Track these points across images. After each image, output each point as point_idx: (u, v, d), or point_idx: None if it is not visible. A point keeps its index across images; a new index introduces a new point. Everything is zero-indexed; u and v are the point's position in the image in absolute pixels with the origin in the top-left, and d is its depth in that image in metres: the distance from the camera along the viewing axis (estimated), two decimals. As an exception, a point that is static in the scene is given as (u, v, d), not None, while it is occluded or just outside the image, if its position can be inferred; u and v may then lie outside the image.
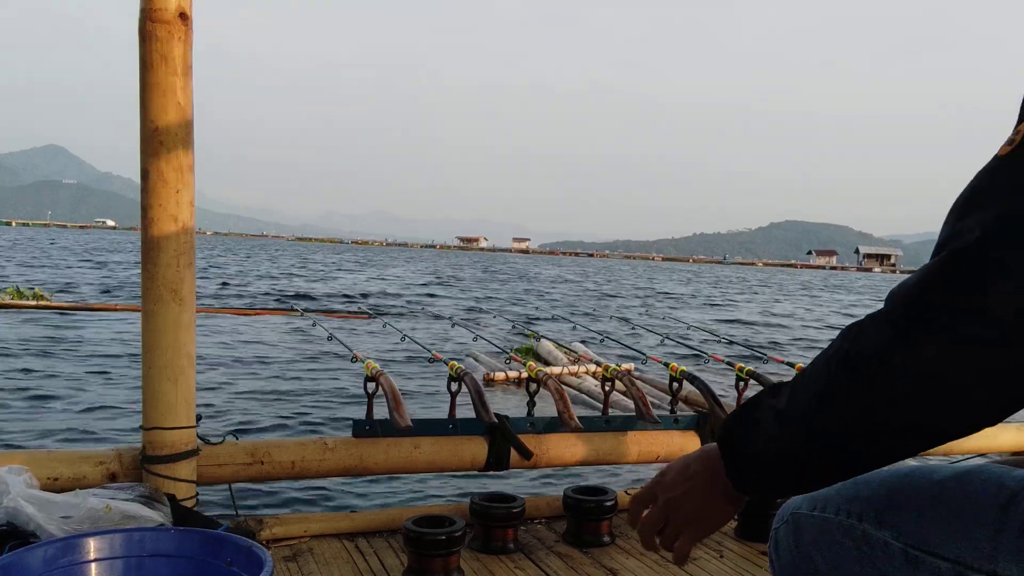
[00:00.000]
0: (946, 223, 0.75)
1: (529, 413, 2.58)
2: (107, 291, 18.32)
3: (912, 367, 0.70)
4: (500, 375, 8.29)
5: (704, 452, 0.94)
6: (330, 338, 3.23)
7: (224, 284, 22.44)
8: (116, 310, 13.92)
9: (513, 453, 2.47)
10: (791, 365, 2.96)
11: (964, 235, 0.70)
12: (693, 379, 2.74)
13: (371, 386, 2.39)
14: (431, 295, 23.49)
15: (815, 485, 0.86)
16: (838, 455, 0.78)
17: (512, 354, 3.04)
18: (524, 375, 2.70)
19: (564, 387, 2.65)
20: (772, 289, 41.53)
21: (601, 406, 2.74)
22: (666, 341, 3.59)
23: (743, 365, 2.84)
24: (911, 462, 0.92)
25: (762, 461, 0.84)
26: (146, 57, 2.00)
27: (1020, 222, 0.67)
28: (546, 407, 2.60)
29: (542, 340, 8.99)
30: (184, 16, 2.01)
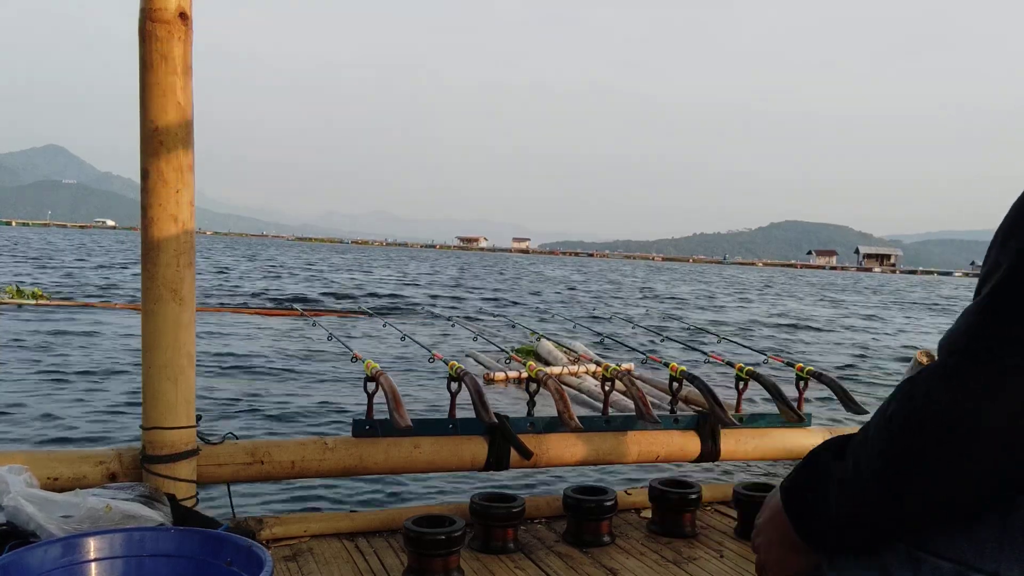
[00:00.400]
0: (989, 253, 0.77)
1: (529, 413, 2.58)
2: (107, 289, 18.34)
3: (960, 402, 0.70)
4: (500, 375, 8.28)
5: (776, 502, 0.93)
6: (330, 338, 3.23)
7: (223, 285, 22.46)
8: (116, 309, 13.93)
9: (513, 453, 2.47)
10: (791, 365, 2.96)
11: (1003, 266, 0.71)
12: (693, 379, 2.74)
13: (371, 386, 2.39)
14: (432, 295, 23.50)
15: (888, 538, 0.86)
16: (904, 512, 0.78)
17: (512, 354, 3.04)
18: (524, 375, 2.69)
19: (564, 387, 2.65)
20: (775, 289, 41.55)
21: (601, 406, 2.74)
22: (666, 341, 3.59)
23: (743, 365, 2.84)
24: None
25: (831, 526, 0.84)
26: (146, 57, 2.00)
27: None
28: (546, 407, 2.60)
29: (542, 340, 9.00)
30: (184, 16, 2.01)
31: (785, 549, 0.93)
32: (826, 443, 0.88)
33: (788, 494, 0.89)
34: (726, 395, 3.08)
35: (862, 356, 13.27)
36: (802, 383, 2.82)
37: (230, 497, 2.46)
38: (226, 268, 32.46)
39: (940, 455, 0.73)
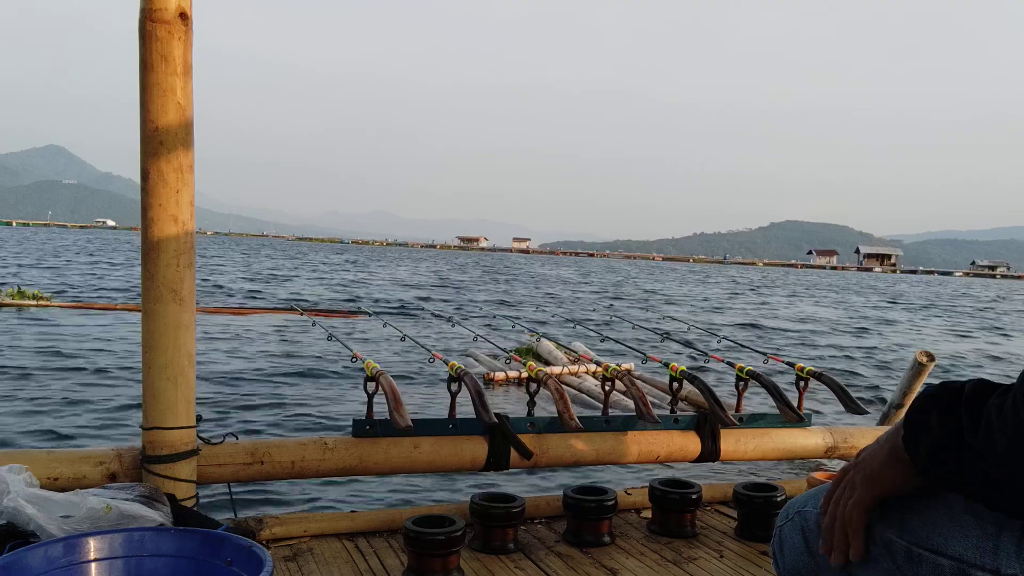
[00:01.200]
0: None
1: (529, 413, 2.58)
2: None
3: None
4: (500, 375, 8.28)
5: (894, 441, 0.92)
6: (330, 338, 3.23)
7: (222, 285, 22.46)
8: (116, 310, 13.93)
9: (513, 453, 2.47)
10: (791, 365, 2.97)
11: None
12: (693, 379, 2.74)
13: (371, 386, 2.39)
14: (432, 295, 23.50)
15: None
16: None
17: (512, 354, 3.04)
18: (524, 375, 2.70)
19: (564, 387, 2.65)
20: (776, 288, 41.53)
21: (601, 406, 2.74)
22: (666, 341, 3.59)
23: (743, 365, 2.84)
24: None
25: (962, 480, 0.84)
26: (146, 57, 2.00)
27: None
28: (546, 407, 2.60)
29: (542, 340, 8.99)
30: (184, 16, 2.01)
31: (887, 467, 0.92)
32: (943, 392, 0.86)
33: (916, 446, 0.87)
34: (726, 395, 3.08)
35: (861, 356, 13.26)
36: (802, 383, 2.82)
37: (231, 497, 2.46)
38: (227, 267, 32.45)
39: None
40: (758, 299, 30.38)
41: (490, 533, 2.29)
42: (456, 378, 2.49)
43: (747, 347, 3.66)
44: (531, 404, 2.60)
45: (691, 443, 2.71)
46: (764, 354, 3.33)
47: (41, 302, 13.53)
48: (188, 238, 2.07)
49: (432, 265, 53.54)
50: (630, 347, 3.37)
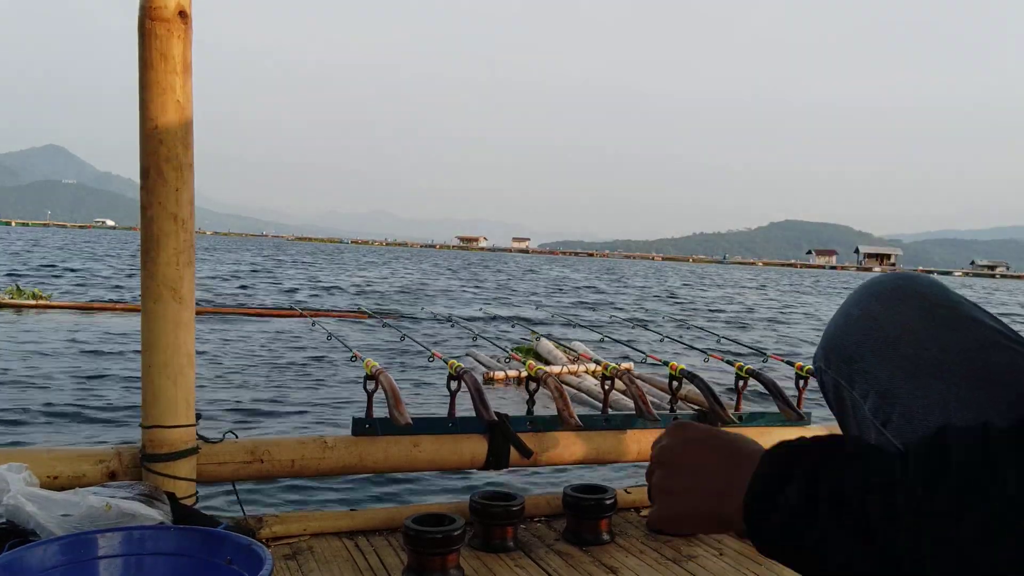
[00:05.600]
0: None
1: (529, 412, 2.58)
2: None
3: None
4: (500, 374, 8.29)
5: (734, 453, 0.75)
6: (329, 337, 3.23)
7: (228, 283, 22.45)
8: (116, 309, 13.93)
9: (513, 451, 2.46)
10: (791, 364, 2.97)
11: None
12: (693, 378, 2.74)
13: (371, 384, 2.39)
14: (432, 295, 23.49)
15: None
16: None
17: (512, 353, 3.04)
18: (524, 374, 2.69)
19: (564, 386, 2.64)
20: (784, 291, 41.49)
21: (601, 405, 2.74)
22: (666, 340, 3.59)
23: (743, 363, 2.84)
24: None
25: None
26: (145, 55, 2.00)
27: None
28: (546, 406, 2.60)
29: (542, 339, 9.01)
30: (184, 14, 2.01)
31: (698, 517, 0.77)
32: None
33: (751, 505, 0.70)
34: (726, 394, 3.08)
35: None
36: (802, 381, 2.82)
37: (237, 495, 2.46)
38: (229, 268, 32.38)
39: None
40: (759, 299, 30.20)
41: (490, 531, 2.29)
42: (456, 376, 2.49)
43: (747, 346, 3.66)
44: (531, 403, 2.60)
45: (691, 442, 2.71)
46: (764, 352, 3.34)
47: (40, 301, 13.54)
48: (188, 237, 2.07)
49: (432, 265, 53.27)
50: (630, 346, 3.37)
